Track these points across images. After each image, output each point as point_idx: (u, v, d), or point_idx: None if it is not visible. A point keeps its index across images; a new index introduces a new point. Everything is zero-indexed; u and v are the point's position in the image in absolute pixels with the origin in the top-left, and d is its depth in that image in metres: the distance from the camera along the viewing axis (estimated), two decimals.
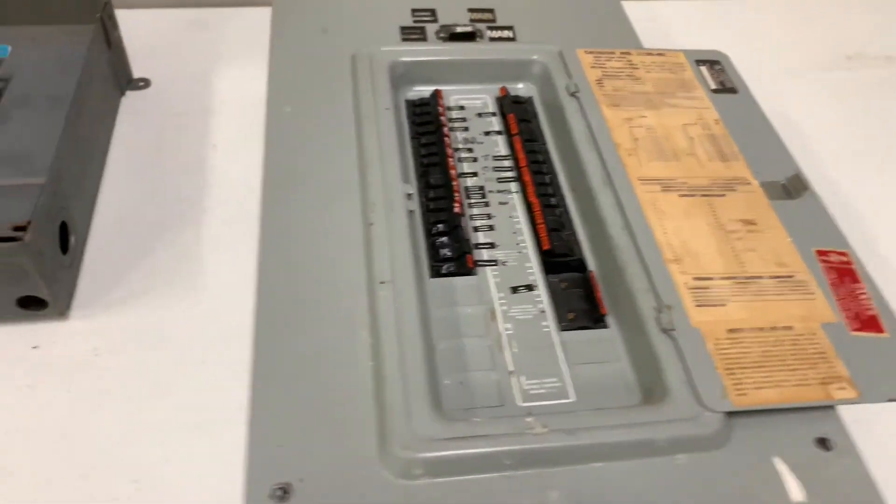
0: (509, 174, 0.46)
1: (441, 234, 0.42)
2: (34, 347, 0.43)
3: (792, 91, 0.61)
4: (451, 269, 0.41)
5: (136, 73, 0.58)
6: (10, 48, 0.49)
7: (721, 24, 0.70)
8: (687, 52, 0.52)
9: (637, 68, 0.49)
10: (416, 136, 0.47)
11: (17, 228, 0.39)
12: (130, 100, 0.57)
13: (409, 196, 0.41)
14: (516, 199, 0.45)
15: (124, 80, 0.56)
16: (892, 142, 0.59)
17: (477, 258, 0.41)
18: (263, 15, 0.66)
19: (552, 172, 0.46)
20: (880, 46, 0.69)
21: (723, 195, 0.43)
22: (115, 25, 0.53)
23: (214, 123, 0.56)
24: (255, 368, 0.35)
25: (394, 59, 0.48)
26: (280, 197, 0.41)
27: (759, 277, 0.39)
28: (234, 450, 0.39)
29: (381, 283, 0.37)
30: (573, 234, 0.43)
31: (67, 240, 0.44)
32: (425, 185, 0.44)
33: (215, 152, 0.54)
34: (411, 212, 0.41)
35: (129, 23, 0.55)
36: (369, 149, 0.43)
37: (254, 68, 0.61)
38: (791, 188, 0.44)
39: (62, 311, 0.43)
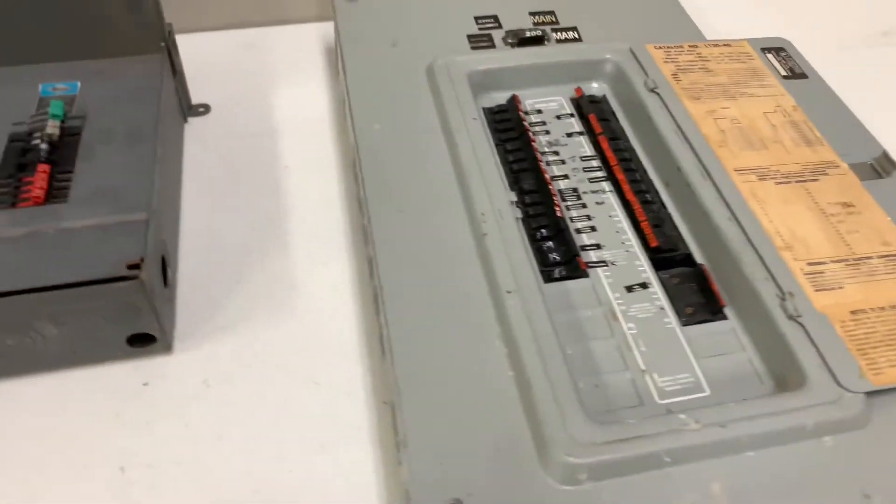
0: (599, 174, 0.46)
1: (545, 238, 0.42)
2: (145, 384, 0.42)
3: (837, 69, 0.62)
4: (563, 273, 0.41)
5: (193, 99, 0.57)
6: (79, 84, 0.48)
7: (749, 4, 0.71)
8: (751, 41, 0.52)
9: (708, 60, 0.50)
10: (500, 143, 0.47)
11: (131, 266, 0.38)
12: (193, 126, 0.56)
13: (512, 203, 0.42)
14: (612, 199, 0.45)
15: (187, 107, 0.56)
16: None
17: (586, 260, 0.42)
18: (311, 31, 0.66)
19: (641, 169, 0.46)
20: None
21: (816, 180, 0.43)
22: (177, 52, 0.52)
23: (281, 144, 0.55)
24: (401, 388, 0.35)
25: (472, 69, 0.48)
26: (388, 216, 0.41)
27: (869, 258, 0.40)
28: (363, 469, 0.40)
29: (508, 292, 0.37)
30: (675, 228, 0.43)
31: (166, 272, 0.44)
32: (519, 192, 0.44)
33: (288, 173, 0.53)
34: (517, 219, 0.41)
35: (179, 48, 0.54)
36: (466, 160, 0.43)
37: (311, 86, 0.61)
38: (880, 168, 0.45)
39: (168, 345, 0.43)
